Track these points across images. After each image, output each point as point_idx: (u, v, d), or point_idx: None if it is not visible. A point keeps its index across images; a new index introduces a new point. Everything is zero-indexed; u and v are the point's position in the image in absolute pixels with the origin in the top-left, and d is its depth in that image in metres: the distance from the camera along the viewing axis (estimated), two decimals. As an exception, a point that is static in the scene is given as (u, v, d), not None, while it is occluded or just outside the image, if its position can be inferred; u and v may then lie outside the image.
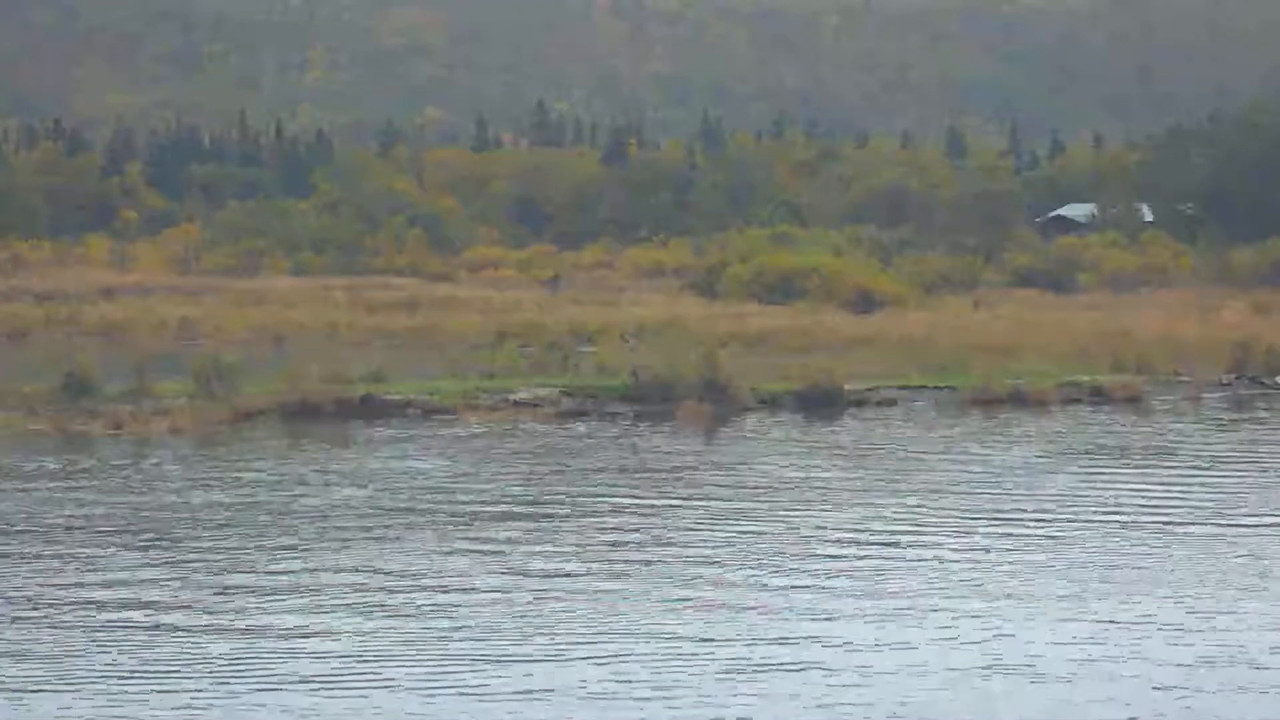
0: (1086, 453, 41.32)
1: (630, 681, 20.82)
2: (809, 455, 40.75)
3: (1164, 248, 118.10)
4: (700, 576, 26.48)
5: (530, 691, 20.44)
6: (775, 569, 27.04)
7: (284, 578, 26.39)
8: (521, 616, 23.89)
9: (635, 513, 32.33)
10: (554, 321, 72.80)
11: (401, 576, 26.42)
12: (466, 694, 20.39)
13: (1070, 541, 29.32)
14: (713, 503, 33.76)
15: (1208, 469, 38.69)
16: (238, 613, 24.12)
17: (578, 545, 29.01)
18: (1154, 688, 20.58)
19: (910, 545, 29.01)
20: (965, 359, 56.76)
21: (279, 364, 53.20)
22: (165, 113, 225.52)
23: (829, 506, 33.13)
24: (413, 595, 25.14)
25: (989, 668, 21.42)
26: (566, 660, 21.75)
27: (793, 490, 35.22)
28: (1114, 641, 22.60)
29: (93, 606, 24.56)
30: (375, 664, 21.59)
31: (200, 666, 21.42)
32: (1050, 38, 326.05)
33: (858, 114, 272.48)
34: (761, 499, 34.08)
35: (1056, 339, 63.21)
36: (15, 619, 23.87)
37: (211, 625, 23.43)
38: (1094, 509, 32.74)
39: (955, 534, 30.06)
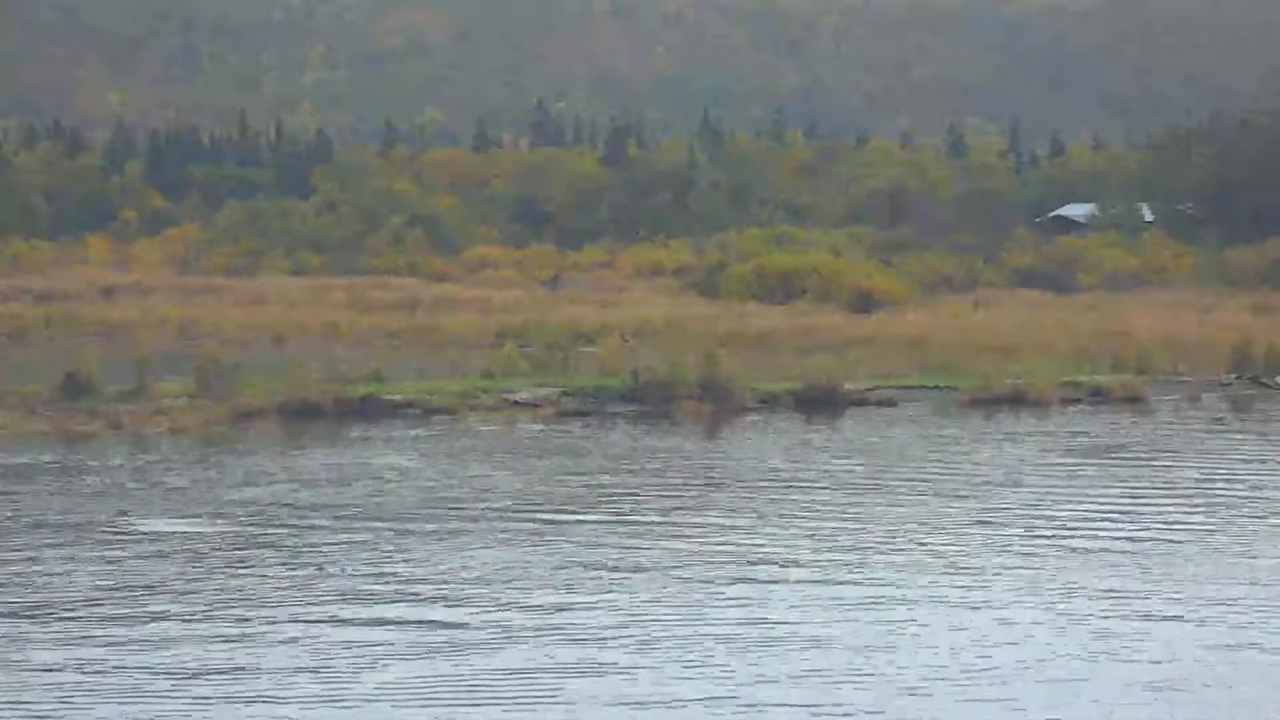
0: (1086, 452, 41.32)
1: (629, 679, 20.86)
2: (808, 455, 40.75)
3: (1164, 248, 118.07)
4: (700, 576, 26.49)
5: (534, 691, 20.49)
6: (770, 570, 27.05)
7: (283, 578, 26.40)
8: (523, 616, 23.92)
9: (635, 513, 32.33)
10: (554, 321, 72.82)
11: (401, 575, 26.44)
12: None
13: (1068, 542, 29.32)
14: (711, 502, 33.77)
15: (1207, 468, 38.68)
16: (236, 614, 24.14)
17: (578, 545, 29.01)
18: (1151, 684, 20.62)
19: (907, 546, 29.02)
20: (965, 359, 56.79)
21: (279, 364, 53.21)
22: (165, 113, 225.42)
23: (827, 507, 33.14)
24: (415, 593, 25.17)
25: (988, 671, 21.44)
26: (565, 660, 21.78)
27: (791, 491, 35.21)
28: (1115, 639, 22.61)
29: (94, 607, 24.58)
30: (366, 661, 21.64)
31: (190, 665, 21.45)
32: (1050, 38, 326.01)
33: (858, 114, 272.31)
34: (760, 499, 34.07)
35: (1056, 339, 63.28)
36: (16, 619, 23.88)
37: (211, 628, 23.48)
38: (1092, 510, 32.73)
39: (953, 536, 30.05)
